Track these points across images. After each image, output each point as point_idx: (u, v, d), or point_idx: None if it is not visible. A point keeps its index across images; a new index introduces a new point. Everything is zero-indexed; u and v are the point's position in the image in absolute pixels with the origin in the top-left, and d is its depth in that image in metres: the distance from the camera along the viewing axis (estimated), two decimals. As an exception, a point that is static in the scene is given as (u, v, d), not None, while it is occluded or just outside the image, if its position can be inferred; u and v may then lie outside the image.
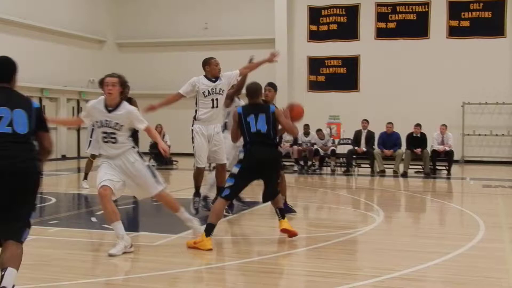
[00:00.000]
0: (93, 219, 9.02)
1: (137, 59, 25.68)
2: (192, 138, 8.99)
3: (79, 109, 24.32)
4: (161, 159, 19.60)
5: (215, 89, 9.07)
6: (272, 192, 7.55)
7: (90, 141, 12.67)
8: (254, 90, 7.63)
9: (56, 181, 15.54)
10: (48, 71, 22.26)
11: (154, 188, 6.89)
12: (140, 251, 6.94)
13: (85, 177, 12.83)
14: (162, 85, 24.63)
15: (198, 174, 9.10)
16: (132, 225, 9.05)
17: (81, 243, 7.36)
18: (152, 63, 25.26)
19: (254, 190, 9.88)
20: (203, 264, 6.38)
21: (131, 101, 13.51)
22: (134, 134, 8.39)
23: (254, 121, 7.33)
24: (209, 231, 6.93)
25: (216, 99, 9.04)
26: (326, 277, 5.88)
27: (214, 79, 9.14)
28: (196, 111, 9.09)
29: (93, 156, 12.75)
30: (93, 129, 12.66)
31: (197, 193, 9.21)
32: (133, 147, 6.97)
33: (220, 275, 6.01)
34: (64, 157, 22.96)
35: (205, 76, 9.23)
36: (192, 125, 9.05)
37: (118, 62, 25.77)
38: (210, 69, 9.21)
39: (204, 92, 9.03)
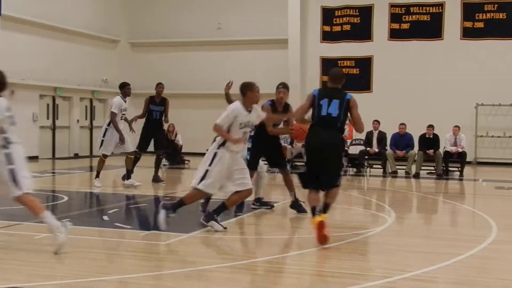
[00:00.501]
0: (105, 217, 9.05)
1: (150, 59, 25.77)
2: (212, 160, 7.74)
3: (92, 108, 24.44)
4: (174, 159, 19.66)
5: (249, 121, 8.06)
6: (329, 180, 7.42)
7: (102, 140, 12.74)
8: (338, 75, 7.74)
9: (68, 179, 15.63)
10: (62, 70, 22.39)
11: (11, 192, 6.64)
12: (152, 250, 6.96)
13: (97, 176, 12.87)
14: (174, 85, 24.67)
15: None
16: (144, 224, 9.09)
17: (93, 241, 7.39)
18: (164, 63, 25.30)
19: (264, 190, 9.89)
20: (214, 263, 6.38)
21: (165, 101, 13.73)
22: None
23: (327, 105, 7.36)
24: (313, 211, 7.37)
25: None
26: (337, 277, 5.87)
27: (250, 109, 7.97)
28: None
29: (105, 156, 12.81)
30: (106, 129, 12.72)
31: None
32: (3, 146, 6.63)
33: (231, 274, 6.01)
34: (76, 156, 23.08)
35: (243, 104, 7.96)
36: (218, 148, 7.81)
37: (131, 62, 25.90)
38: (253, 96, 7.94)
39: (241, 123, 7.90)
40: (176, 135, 20.03)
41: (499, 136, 21.21)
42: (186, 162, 19.95)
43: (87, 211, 10.41)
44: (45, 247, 6.84)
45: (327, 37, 23.13)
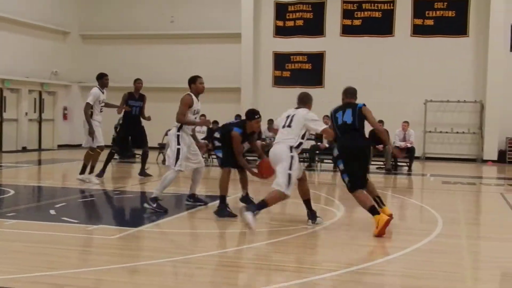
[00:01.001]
0: (52, 211, 8.89)
1: (102, 51, 25.41)
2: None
3: (41, 101, 23.97)
4: (125, 153, 19.39)
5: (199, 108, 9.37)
6: (365, 177, 8.14)
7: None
8: (351, 90, 8.63)
9: (15, 173, 15.30)
10: (10, 61, 21.91)
11: None
12: (100, 244, 6.87)
13: (91, 171, 12.59)
14: (126, 79, 24.41)
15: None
16: (92, 218, 8.98)
17: (39, 236, 7.26)
18: (116, 56, 25.01)
19: (208, 183, 9.86)
20: (164, 257, 6.34)
21: (144, 97, 13.62)
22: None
23: (341, 115, 8.16)
24: (373, 211, 7.68)
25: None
26: (285, 271, 5.90)
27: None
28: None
29: (101, 148, 12.49)
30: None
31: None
32: None
33: (181, 269, 5.98)
34: (24, 149, 22.62)
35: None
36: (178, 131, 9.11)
37: (82, 54, 25.50)
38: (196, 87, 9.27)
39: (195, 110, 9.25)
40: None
41: (447, 132, 21.66)
42: (137, 156, 19.69)
43: (34, 205, 10.21)
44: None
45: (280, 32, 23.21)
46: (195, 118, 9.25)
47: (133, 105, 13.47)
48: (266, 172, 8.59)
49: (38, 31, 23.44)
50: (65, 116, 25.11)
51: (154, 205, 8.86)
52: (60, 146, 24.46)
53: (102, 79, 12.69)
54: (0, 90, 21.96)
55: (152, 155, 18.81)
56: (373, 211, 7.71)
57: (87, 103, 12.29)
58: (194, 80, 9.28)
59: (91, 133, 12.29)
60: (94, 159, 12.53)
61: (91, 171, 12.59)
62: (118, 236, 7.25)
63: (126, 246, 6.87)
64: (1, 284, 5.14)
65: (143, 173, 13.77)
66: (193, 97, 9.17)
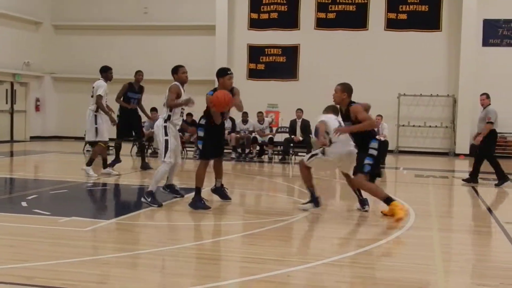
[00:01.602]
0: (24, 203, 8.79)
1: (74, 42, 25.14)
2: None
3: (13, 92, 23.66)
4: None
5: None
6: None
7: (96, 128, 12.04)
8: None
9: (-14, 165, 15.09)
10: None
11: None
12: (71, 237, 6.81)
13: (105, 164, 12.52)
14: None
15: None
16: (64, 210, 8.88)
17: (10, 228, 7.17)
18: (89, 47, 24.76)
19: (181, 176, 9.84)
20: (137, 250, 6.31)
21: (143, 88, 13.54)
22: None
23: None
24: (389, 200, 8.23)
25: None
26: (259, 263, 5.90)
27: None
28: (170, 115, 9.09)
29: (105, 142, 12.33)
30: (96, 115, 12.12)
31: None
32: None
33: (153, 261, 5.96)
34: (-4, 141, 22.34)
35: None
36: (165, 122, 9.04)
37: (54, 45, 25.20)
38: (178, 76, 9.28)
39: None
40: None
41: (420, 126, 21.86)
42: (110, 148, 19.56)
43: (5, 197, 10.08)
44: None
45: (254, 24, 23.17)
46: (182, 108, 9.20)
47: (132, 97, 13.44)
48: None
49: (9, 20, 23.10)
50: (37, 108, 24.81)
51: (149, 200, 8.79)
52: (33, 138, 24.18)
53: (106, 73, 12.41)
54: (-30, 81, 21.62)
55: (129, 147, 18.73)
56: (390, 199, 8.31)
57: (99, 95, 11.97)
58: (176, 70, 9.26)
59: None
60: (102, 152, 12.41)
61: (105, 165, 12.46)
62: (91, 228, 7.19)
63: (98, 239, 6.81)
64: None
65: (144, 166, 13.62)
66: (180, 86, 9.15)
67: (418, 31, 21.83)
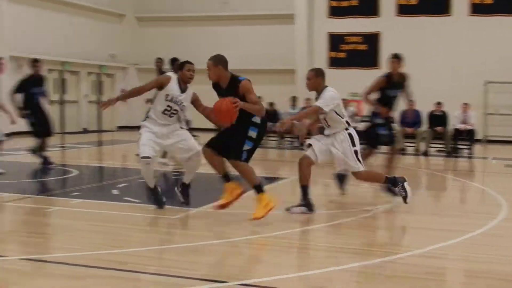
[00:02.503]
0: (115, 191, 9.08)
1: (156, 33, 25.67)
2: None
3: (99, 83, 24.41)
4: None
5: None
6: None
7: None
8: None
9: (78, 153, 15.65)
10: (68, 44, 22.33)
11: None
12: (162, 224, 6.98)
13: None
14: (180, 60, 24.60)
15: None
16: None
17: (103, 215, 7.42)
18: (171, 38, 25.21)
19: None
20: (223, 238, 6.40)
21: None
22: None
23: None
24: (259, 189, 7.05)
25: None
26: (345, 253, 5.88)
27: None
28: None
29: None
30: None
31: None
32: None
33: (239, 249, 6.03)
34: (85, 130, 23.11)
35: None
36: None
37: (137, 37, 25.82)
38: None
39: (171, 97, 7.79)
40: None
41: (508, 114, 21.09)
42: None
43: (97, 185, 10.44)
44: (56, 220, 6.87)
45: (334, 12, 22.94)
46: (169, 107, 7.61)
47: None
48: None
49: (95, 13, 23.84)
50: (122, 98, 25.46)
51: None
52: (120, 128, 24.90)
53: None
54: (60, 73, 22.44)
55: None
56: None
57: None
58: (181, 66, 7.76)
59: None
60: None
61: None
62: (179, 216, 7.34)
63: (187, 226, 6.95)
64: (65, 260, 5.28)
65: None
66: (174, 82, 7.64)
67: (504, 15, 21.04)
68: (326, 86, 7.89)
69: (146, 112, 7.81)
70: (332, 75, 22.15)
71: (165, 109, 7.60)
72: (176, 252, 5.76)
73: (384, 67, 21.75)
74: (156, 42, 25.34)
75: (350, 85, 21.96)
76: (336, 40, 22.90)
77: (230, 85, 7.10)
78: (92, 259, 5.37)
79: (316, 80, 7.87)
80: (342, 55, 22.80)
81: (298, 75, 22.68)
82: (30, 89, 11.63)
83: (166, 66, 12.57)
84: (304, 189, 7.74)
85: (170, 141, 7.74)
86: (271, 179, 10.67)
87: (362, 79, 21.97)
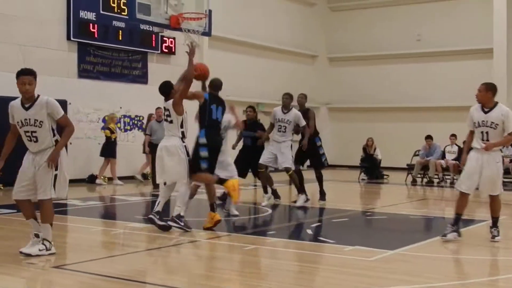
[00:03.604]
0: (309, 231, 9.15)
1: (348, 73, 25.89)
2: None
3: (291, 123, 25.03)
4: (372, 173, 19.44)
5: None
6: None
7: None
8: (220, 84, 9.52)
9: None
10: (263, 86, 23.26)
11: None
12: (357, 265, 6.89)
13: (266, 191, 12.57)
14: (371, 99, 24.68)
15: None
16: (347, 238, 9.03)
17: (298, 254, 7.50)
18: (361, 77, 25.31)
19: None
20: (423, 283, 6.15)
21: (308, 112, 13.40)
22: None
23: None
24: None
25: None
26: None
27: None
28: None
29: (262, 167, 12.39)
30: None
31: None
32: None
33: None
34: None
35: None
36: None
37: (329, 76, 26.24)
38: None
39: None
40: (375, 149, 19.82)
41: None
42: (385, 176, 19.64)
43: (291, 224, 10.63)
44: (254, 258, 7.06)
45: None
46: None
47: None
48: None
49: (288, 55, 24.66)
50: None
51: (182, 224, 8.44)
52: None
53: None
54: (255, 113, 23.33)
55: (402, 176, 18.68)
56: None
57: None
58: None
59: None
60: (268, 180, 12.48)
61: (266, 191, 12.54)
62: (375, 258, 7.21)
63: (384, 269, 6.79)
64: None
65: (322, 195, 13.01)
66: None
67: None
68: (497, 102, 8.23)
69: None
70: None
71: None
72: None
73: None
74: (347, 81, 25.60)
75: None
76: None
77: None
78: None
79: (486, 94, 8.27)
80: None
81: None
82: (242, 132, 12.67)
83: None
84: None
85: None
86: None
87: None
